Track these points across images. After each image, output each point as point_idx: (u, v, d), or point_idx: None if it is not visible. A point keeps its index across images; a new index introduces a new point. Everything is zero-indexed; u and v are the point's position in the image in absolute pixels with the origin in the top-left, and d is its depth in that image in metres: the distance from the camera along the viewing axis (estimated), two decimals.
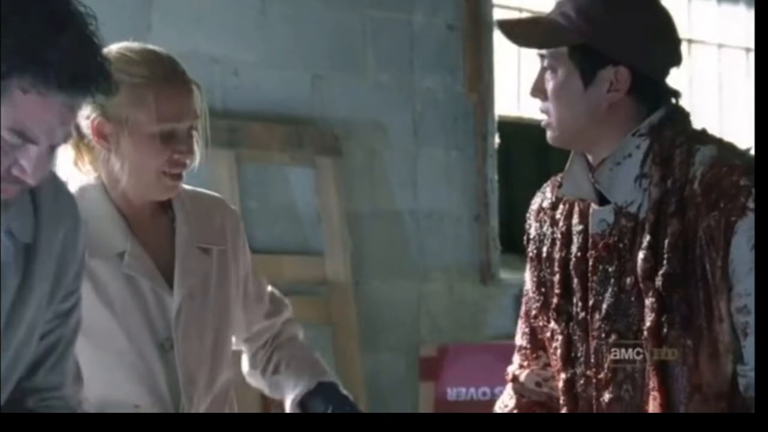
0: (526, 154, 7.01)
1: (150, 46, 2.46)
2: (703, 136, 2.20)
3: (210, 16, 5.07)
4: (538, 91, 2.24)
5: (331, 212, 5.28)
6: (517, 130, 6.20)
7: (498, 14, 5.93)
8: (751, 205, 2.05)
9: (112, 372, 2.43)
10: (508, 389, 2.48)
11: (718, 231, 2.08)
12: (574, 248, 2.27)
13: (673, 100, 2.25)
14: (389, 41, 5.57)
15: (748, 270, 2.06)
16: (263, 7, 5.22)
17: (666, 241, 2.12)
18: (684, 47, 6.85)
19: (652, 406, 2.15)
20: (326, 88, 5.38)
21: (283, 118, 5.22)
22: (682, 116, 2.24)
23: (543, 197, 2.40)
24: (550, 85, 2.21)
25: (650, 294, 2.13)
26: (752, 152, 2.14)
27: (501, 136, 5.91)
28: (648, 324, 2.14)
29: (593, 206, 2.25)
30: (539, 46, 2.23)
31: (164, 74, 2.40)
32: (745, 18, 6.92)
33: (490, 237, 5.81)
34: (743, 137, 6.71)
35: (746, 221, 2.05)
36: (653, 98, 2.22)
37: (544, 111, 2.24)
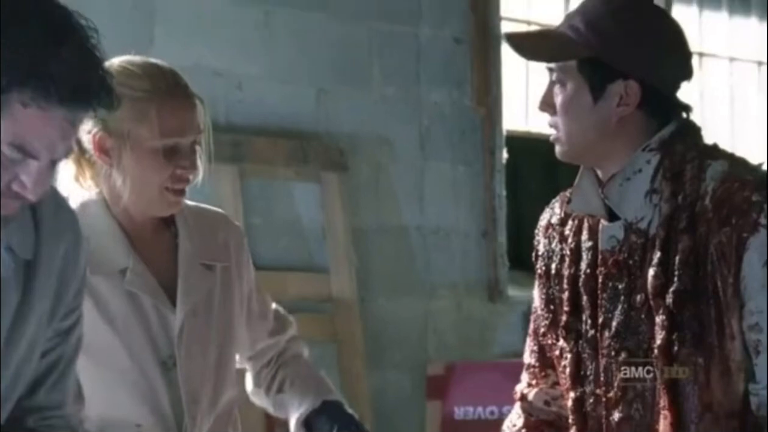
0: (535, 169, 6.98)
1: (152, 60, 2.44)
2: (715, 151, 2.18)
3: (213, 29, 5.07)
4: (547, 105, 2.22)
5: (336, 228, 5.27)
6: (525, 145, 6.20)
7: (506, 27, 5.95)
8: (763, 221, 2.04)
9: (114, 390, 2.41)
10: (517, 408, 2.46)
11: (730, 247, 2.06)
12: (583, 265, 2.26)
13: (684, 115, 2.23)
14: (395, 54, 5.57)
15: (760, 287, 2.04)
16: (267, 20, 5.21)
17: (677, 258, 2.10)
18: (695, 61, 6.85)
19: (663, 425, 2.13)
20: (331, 102, 5.37)
21: (287, 132, 5.22)
22: (693, 131, 2.22)
23: (552, 213, 2.38)
24: (558, 99, 2.19)
25: (661, 311, 2.12)
26: (764, 167, 2.14)
27: (509, 151, 5.92)
28: (659, 342, 2.12)
29: (603, 222, 2.23)
30: (548, 60, 2.21)
31: (167, 88, 2.38)
32: (757, 31, 6.93)
33: (498, 253, 5.81)
34: (755, 151, 6.71)
35: (758, 237, 2.04)
36: (664, 112, 2.20)
37: (552, 125, 2.23)
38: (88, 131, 2.36)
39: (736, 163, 2.15)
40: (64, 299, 2.03)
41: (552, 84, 2.21)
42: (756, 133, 6.70)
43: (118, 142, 2.37)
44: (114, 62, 2.34)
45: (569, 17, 2.21)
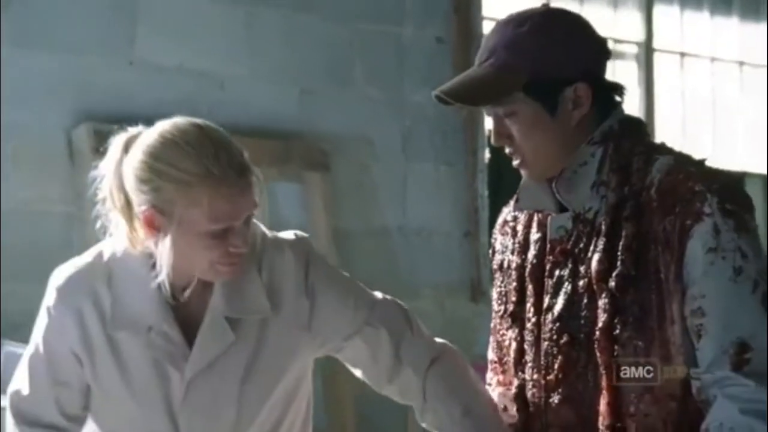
0: (517, 169, 6.98)
1: (204, 128, 2.24)
2: (662, 148, 2.24)
3: (196, 28, 5.06)
4: (503, 137, 2.23)
5: (318, 228, 5.25)
6: None
7: (487, 27, 5.91)
8: (707, 210, 2.08)
9: None
10: None
11: (674, 235, 2.10)
12: (530, 255, 2.31)
13: (619, 92, 2.26)
14: (378, 54, 5.57)
15: (702, 273, 2.08)
16: (250, 20, 5.20)
17: (621, 244, 2.15)
18: (677, 61, 6.87)
19: (602, 405, 2.16)
20: (314, 102, 5.37)
21: (270, 132, 5.20)
22: (638, 125, 2.28)
23: (508, 210, 2.45)
24: (516, 129, 2.21)
25: (604, 295, 2.16)
26: (708, 162, 2.18)
27: (491, 151, 5.89)
28: (600, 324, 2.15)
29: (552, 214, 2.27)
30: (497, 99, 2.20)
31: (219, 172, 2.17)
32: (738, 31, 6.93)
33: (481, 254, 5.80)
34: (736, 151, 6.71)
35: (702, 225, 2.08)
36: (610, 101, 2.25)
37: (512, 153, 2.25)
38: (138, 204, 2.23)
39: (682, 158, 2.19)
40: None
41: (498, 117, 2.22)
42: (737, 132, 6.70)
43: (168, 221, 2.20)
44: (165, 131, 2.21)
45: (487, 53, 2.20)
